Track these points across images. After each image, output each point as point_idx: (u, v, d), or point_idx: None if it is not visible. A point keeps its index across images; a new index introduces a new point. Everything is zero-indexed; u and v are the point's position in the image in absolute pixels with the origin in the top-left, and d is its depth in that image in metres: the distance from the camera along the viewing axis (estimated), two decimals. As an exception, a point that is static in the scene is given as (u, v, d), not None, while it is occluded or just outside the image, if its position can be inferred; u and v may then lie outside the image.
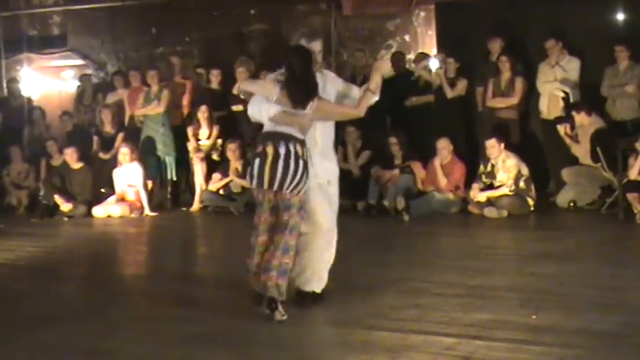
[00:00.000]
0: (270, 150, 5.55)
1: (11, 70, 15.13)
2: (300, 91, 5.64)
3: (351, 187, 11.03)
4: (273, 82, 5.70)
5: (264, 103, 5.69)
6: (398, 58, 12.13)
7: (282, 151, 5.53)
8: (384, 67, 6.14)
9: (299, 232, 5.77)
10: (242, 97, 6.42)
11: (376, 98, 6.02)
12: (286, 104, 5.62)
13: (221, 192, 11.47)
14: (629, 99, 10.49)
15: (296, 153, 5.57)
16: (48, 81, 15.25)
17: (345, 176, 11.01)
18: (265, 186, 5.58)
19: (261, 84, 5.93)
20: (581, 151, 10.31)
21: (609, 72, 10.57)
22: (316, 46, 5.91)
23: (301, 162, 5.60)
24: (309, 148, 5.76)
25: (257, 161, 5.60)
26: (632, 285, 6.39)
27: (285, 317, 5.61)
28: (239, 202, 11.30)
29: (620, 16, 11.74)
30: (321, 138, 5.98)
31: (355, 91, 6.16)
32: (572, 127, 10.44)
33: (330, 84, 6.02)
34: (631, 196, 9.30)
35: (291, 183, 5.56)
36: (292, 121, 5.62)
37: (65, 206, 11.63)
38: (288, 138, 5.58)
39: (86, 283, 7.53)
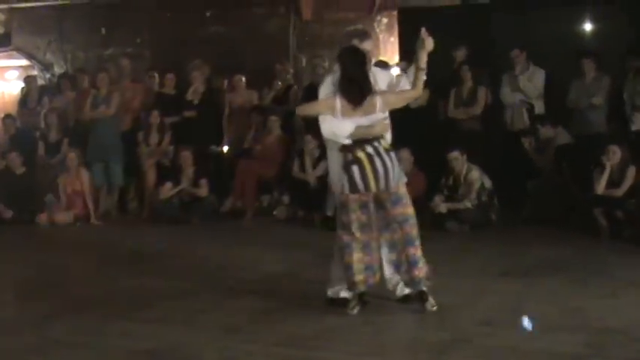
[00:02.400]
0: (361, 154, 5.91)
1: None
2: (355, 90, 5.95)
3: (307, 198, 11.06)
4: (330, 96, 6.04)
5: (334, 122, 5.99)
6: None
7: (371, 151, 5.92)
8: (429, 44, 6.31)
9: (415, 220, 6.13)
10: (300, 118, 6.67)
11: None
12: (347, 107, 5.93)
13: (173, 200, 11.41)
14: (596, 112, 10.61)
15: (383, 148, 5.97)
16: (-10, 82, 15.08)
17: (301, 187, 11.16)
18: (373, 189, 5.95)
19: (320, 104, 6.16)
20: (546, 164, 10.40)
21: (576, 84, 10.68)
22: (368, 46, 6.26)
23: (391, 154, 6.00)
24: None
25: (355, 168, 5.91)
26: (595, 305, 6.45)
27: (435, 307, 5.99)
28: (195, 212, 11.25)
29: (587, 28, 11.91)
30: None
31: (402, 79, 6.46)
32: (537, 140, 10.54)
33: (379, 79, 6.30)
34: (597, 211, 9.40)
35: (394, 177, 5.97)
36: (370, 132, 5.97)
37: (6, 213, 11.49)
38: (370, 140, 5.95)
39: (26, 295, 7.44)
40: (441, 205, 10.08)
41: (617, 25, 11.73)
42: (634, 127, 10.04)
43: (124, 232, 10.95)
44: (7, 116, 13.25)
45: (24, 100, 13.54)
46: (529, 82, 11.01)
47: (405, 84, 6.34)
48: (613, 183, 9.36)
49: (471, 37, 11.57)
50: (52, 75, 14.79)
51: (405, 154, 10.57)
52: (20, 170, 11.83)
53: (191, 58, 12.92)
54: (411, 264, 6.02)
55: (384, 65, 12.00)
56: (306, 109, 6.70)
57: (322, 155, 11.25)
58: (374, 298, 6.79)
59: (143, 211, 12.11)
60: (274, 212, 11.36)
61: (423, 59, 6.19)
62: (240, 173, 11.63)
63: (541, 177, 10.45)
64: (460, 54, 11.35)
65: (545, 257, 8.16)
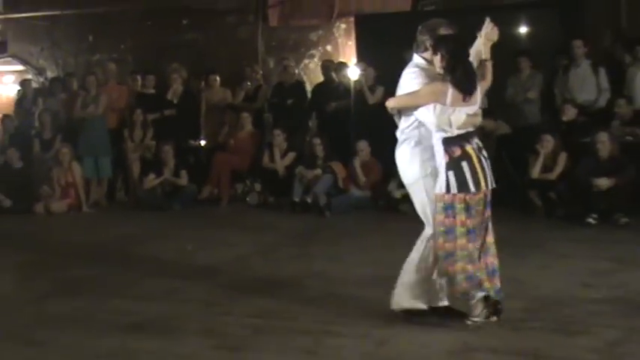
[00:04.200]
0: (470, 150, 4.95)
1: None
2: (472, 79, 5.03)
3: (277, 185, 11.09)
4: (442, 86, 4.94)
5: (448, 110, 4.91)
6: (326, 66, 12.17)
7: (477, 145, 5.03)
8: (494, 34, 5.40)
9: None
10: (392, 113, 5.22)
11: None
12: (457, 97, 4.93)
13: (157, 190, 11.37)
14: (531, 105, 10.67)
15: (481, 146, 5.08)
16: (-12, 86, 14.91)
17: (271, 176, 11.17)
18: (483, 187, 4.98)
19: (432, 91, 4.97)
20: (489, 152, 10.43)
21: (513, 80, 10.73)
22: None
23: (485, 153, 5.11)
24: None
25: (464, 164, 4.91)
26: (531, 275, 6.52)
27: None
28: (176, 199, 11.22)
29: (523, 30, 11.97)
30: None
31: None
32: (480, 131, 10.59)
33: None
34: (532, 193, 9.50)
35: (492, 176, 5.10)
36: (474, 121, 5.06)
37: (5, 203, 11.39)
38: (472, 135, 5.04)
39: (25, 274, 7.39)
40: (396, 191, 10.11)
41: (548, 27, 11.80)
42: (564, 118, 10.11)
43: (113, 219, 10.89)
44: (6, 116, 13.09)
45: (20, 101, 13.38)
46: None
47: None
48: (546, 168, 9.44)
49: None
50: (45, 79, 14.62)
51: (363, 144, 10.62)
52: (18, 164, 11.72)
53: (170, 62, 12.88)
54: (490, 273, 5.04)
55: (343, 66, 12.06)
56: (408, 101, 5.12)
57: (290, 147, 11.28)
58: (337, 273, 6.85)
59: (129, 199, 12.07)
60: (247, 199, 11.34)
61: (488, 51, 5.30)
62: (216, 164, 11.62)
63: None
64: (409, 56, 11.32)
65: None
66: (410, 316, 5.19)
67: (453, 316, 5.19)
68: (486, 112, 10.52)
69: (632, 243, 7.69)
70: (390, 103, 5.23)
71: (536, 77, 10.72)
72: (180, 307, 5.93)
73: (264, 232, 9.26)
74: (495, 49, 5.32)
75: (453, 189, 4.89)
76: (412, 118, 5.12)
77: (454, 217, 4.92)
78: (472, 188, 4.91)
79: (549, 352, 4.67)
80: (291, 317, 5.52)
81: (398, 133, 5.27)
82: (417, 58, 5.29)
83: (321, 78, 12.79)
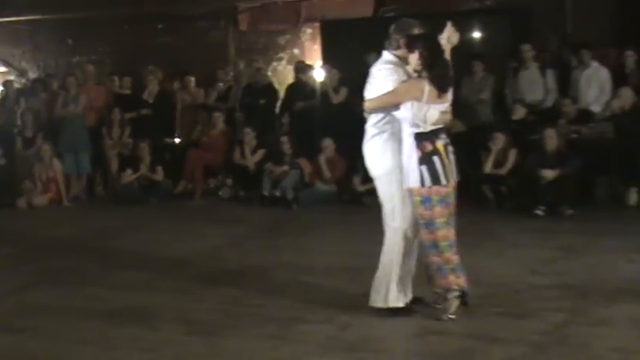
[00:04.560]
0: (439, 145, 4.85)
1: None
2: (448, 77, 4.96)
3: (247, 180, 11.06)
4: (419, 82, 4.86)
5: (424, 107, 4.81)
6: (299, 68, 12.14)
7: (445, 141, 4.93)
8: (454, 38, 5.17)
9: None
10: (368, 113, 5.02)
11: None
12: (432, 94, 4.85)
13: (134, 185, 11.29)
14: (484, 105, 10.71)
15: (449, 142, 4.99)
16: (-27, 86, 14.66)
17: (242, 171, 11.13)
18: (452, 180, 4.91)
19: (410, 89, 4.87)
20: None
21: (467, 81, 10.74)
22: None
23: (452, 148, 5.00)
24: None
25: (436, 159, 4.82)
26: (484, 263, 6.56)
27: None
28: (152, 194, 11.15)
29: (477, 35, 12.03)
30: None
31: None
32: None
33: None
34: (485, 187, 9.55)
35: (457, 170, 5.00)
36: (445, 118, 4.96)
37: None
38: (442, 131, 4.95)
39: (6, 264, 7.30)
40: (360, 185, 10.11)
41: (500, 33, 11.86)
42: (514, 117, 10.17)
43: (92, 212, 10.81)
44: (-11, 116, 12.94)
45: (3, 101, 13.17)
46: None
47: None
48: (498, 164, 9.48)
49: (381, 44, 11.57)
50: (27, 80, 14.43)
51: (328, 142, 10.61)
52: (1, 161, 11.57)
53: (146, 64, 12.77)
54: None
55: (309, 68, 12.04)
56: (388, 100, 4.94)
57: (259, 144, 11.25)
58: (303, 263, 6.85)
59: (108, 194, 11.97)
60: (219, 193, 11.29)
61: (448, 54, 5.08)
62: (190, 160, 11.55)
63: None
64: (372, 58, 11.31)
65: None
66: (392, 313, 5.03)
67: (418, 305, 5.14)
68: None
69: (576, 233, 7.76)
70: (370, 104, 5.06)
71: (488, 79, 10.77)
72: (156, 296, 5.90)
73: (235, 224, 9.23)
74: (452, 52, 5.30)
75: (427, 182, 4.83)
76: (381, 115, 5.04)
77: (432, 210, 4.86)
78: (443, 181, 4.86)
79: (500, 334, 4.71)
80: (260, 304, 5.51)
81: (368, 127, 5.13)
82: (387, 55, 5.18)
83: (288, 79, 12.80)
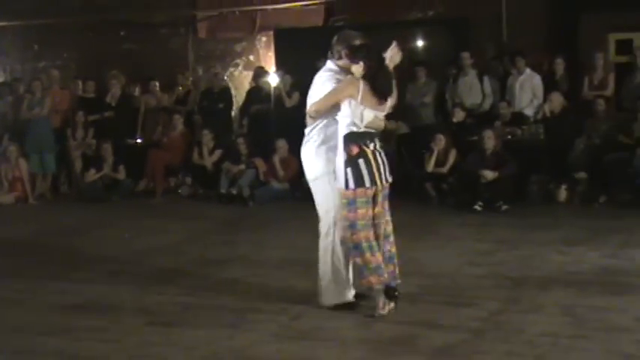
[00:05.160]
0: (367, 149, 4.77)
1: None
2: (389, 84, 4.89)
3: (205, 179, 10.99)
4: (355, 80, 4.80)
5: (360, 107, 4.75)
6: (259, 73, 12.07)
7: (373, 147, 4.82)
8: (397, 58, 5.02)
9: None
10: (312, 116, 4.93)
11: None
12: (370, 97, 4.80)
13: (97, 183, 11.13)
14: (426, 108, 10.77)
15: (380, 147, 4.91)
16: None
17: (200, 170, 11.06)
18: (379, 183, 4.79)
19: (346, 89, 4.80)
20: (390, 149, 10.51)
21: (411, 87, 10.81)
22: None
23: (384, 153, 4.91)
24: None
25: (361, 162, 4.73)
26: (426, 255, 6.61)
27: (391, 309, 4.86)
28: (115, 192, 11.01)
29: (420, 44, 12.10)
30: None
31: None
32: (384, 131, 10.63)
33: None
34: (427, 185, 9.61)
35: (389, 173, 4.92)
36: (379, 124, 4.93)
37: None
38: (374, 135, 4.89)
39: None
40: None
41: (441, 41, 11.92)
42: (454, 120, 10.25)
43: (57, 210, 10.63)
44: (-45, 118, 12.64)
45: (-30, 104, 12.94)
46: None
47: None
48: (439, 163, 9.56)
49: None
50: (-7, 83, 14.16)
51: (282, 142, 10.58)
52: (-32, 161, 11.36)
53: (109, 69, 12.64)
54: (387, 259, 4.92)
55: (264, 73, 11.99)
56: (328, 101, 4.88)
57: (216, 145, 11.18)
58: (258, 256, 6.82)
59: (72, 192, 11.80)
60: (179, 191, 11.20)
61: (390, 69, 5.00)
62: (151, 160, 11.43)
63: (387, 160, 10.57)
64: (322, 65, 11.33)
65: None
66: (342, 308, 4.96)
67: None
68: (389, 115, 10.70)
69: (511, 227, 7.86)
70: (313, 108, 4.95)
71: (430, 84, 10.85)
72: (118, 289, 5.83)
73: (194, 220, 9.16)
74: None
75: (351, 184, 4.74)
76: (318, 121, 5.00)
77: (355, 212, 4.76)
78: (367, 183, 4.74)
79: (441, 321, 4.75)
80: (217, 296, 5.48)
81: (306, 132, 5.10)
82: (330, 64, 5.13)
83: (244, 84, 12.74)
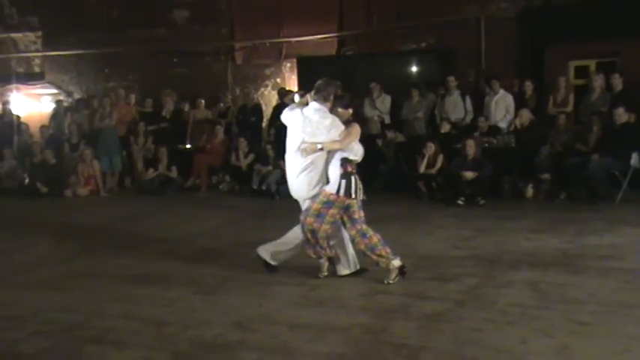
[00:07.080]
0: (354, 171, 5.04)
1: (5, 95, 14.20)
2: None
3: (241, 177, 11.00)
4: (357, 124, 5.16)
5: (357, 143, 5.07)
6: (282, 93, 12.07)
7: (355, 168, 5.07)
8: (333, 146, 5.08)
9: None
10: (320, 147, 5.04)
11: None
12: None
13: (154, 180, 11.17)
14: (419, 121, 10.73)
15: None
16: (31, 104, 14.46)
17: (237, 170, 11.06)
18: (359, 196, 5.01)
19: (357, 132, 5.11)
20: (390, 155, 10.50)
21: (406, 104, 10.79)
22: None
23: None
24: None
25: (353, 178, 4.95)
26: (418, 240, 6.57)
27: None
28: (168, 187, 11.01)
29: (414, 68, 12.05)
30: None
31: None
32: (385, 140, 10.62)
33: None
34: (419, 183, 9.57)
35: (362, 193, 5.08)
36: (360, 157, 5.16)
37: (43, 189, 11.09)
38: (355, 164, 5.13)
39: (56, 240, 7.18)
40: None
41: (431, 67, 11.89)
42: (442, 131, 10.21)
43: (122, 201, 10.65)
44: (43, 126, 12.71)
45: (54, 115, 12.98)
46: (382, 104, 11.05)
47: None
48: (429, 165, 9.50)
49: (342, 75, 11.52)
50: (73, 99, 14.23)
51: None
52: (52, 161, 11.40)
53: (164, 88, 12.70)
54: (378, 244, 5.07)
55: (288, 93, 11.97)
56: (350, 140, 5.08)
57: (250, 150, 11.17)
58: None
59: (134, 187, 11.84)
60: (219, 187, 11.22)
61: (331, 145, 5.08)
62: (197, 162, 11.47)
63: (387, 163, 10.56)
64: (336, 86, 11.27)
65: (388, 211, 8.28)
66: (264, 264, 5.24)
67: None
68: (389, 126, 10.69)
69: (487, 217, 7.80)
70: (335, 145, 5.02)
71: (422, 102, 10.79)
72: (170, 264, 5.84)
73: (231, 210, 9.17)
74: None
75: (342, 192, 4.93)
76: (308, 157, 5.08)
77: (327, 210, 4.94)
78: (353, 195, 4.93)
79: (429, 293, 4.73)
80: (250, 271, 5.47)
81: (297, 164, 5.19)
82: (316, 105, 5.16)
83: (272, 101, 12.76)
